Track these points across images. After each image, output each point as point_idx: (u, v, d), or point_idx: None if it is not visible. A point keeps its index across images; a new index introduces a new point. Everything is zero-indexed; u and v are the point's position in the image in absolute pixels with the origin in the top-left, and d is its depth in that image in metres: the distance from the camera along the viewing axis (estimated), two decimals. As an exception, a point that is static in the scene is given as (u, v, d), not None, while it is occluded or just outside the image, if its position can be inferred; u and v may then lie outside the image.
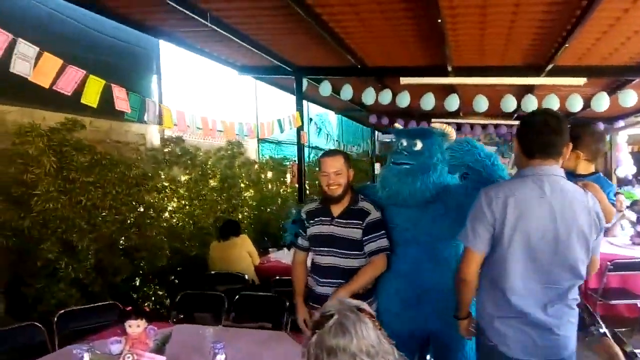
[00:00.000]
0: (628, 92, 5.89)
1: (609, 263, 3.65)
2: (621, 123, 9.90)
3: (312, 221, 2.40)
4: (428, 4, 3.74)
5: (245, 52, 5.71)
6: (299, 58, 6.13)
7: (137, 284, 4.42)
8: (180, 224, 4.98)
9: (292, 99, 8.57)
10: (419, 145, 2.20)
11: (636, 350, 2.00)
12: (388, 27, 4.52)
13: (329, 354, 1.06)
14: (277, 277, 3.59)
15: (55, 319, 2.69)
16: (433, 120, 10.51)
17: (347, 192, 2.31)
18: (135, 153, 4.65)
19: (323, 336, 1.08)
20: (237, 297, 3.06)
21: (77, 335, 2.69)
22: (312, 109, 9.99)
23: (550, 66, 5.33)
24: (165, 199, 4.78)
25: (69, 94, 2.85)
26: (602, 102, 5.98)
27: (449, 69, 5.69)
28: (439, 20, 3.97)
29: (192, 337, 2.19)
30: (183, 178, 5.17)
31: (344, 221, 2.31)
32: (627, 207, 5.43)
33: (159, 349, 1.84)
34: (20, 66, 2.53)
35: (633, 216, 4.96)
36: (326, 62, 6.27)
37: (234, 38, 4.82)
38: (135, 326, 1.80)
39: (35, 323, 2.56)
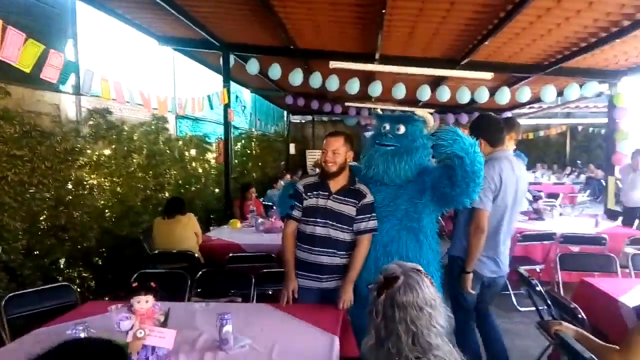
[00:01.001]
0: (523, 89, 6.78)
1: (518, 235, 4.30)
2: (508, 114, 11.25)
3: (310, 194, 2.52)
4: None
5: (170, 22, 5.48)
6: (227, 33, 6.01)
7: (62, 265, 4.13)
8: (108, 203, 4.68)
9: (208, 73, 8.37)
10: (402, 129, 2.43)
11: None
12: (331, 10, 4.64)
13: (399, 308, 1.23)
14: (231, 255, 3.61)
15: (3, 303, 2.47)
16: (346, 103, 10.96)
17: (342, 170, 2.47)
18: (57, 125, 4.25)
19: (393, 295, 1.25)
20: (200, 273, 3.06)
21: (29, 320, 2.51)
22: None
23: (464, 61, 5.93)
24: (94, 175, 4.46)
25: (16, 63, 2.58)
26: (504, 96, 6.79)
27: (377, 56, 6.03)
28: (384, 11, 4.22)
29: (181, 312, 2.21)
30: (107, 152, 4.84)
31: (342, 198, 2.48)
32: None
33: (164, 324, 1.84)
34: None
35: (530, 196, 5.81)
36: (256, 40, 6.23)
37: (165, 5, 4.59)
38: (144, 302, 1.78)
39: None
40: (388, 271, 1.31)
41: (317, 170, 2.64)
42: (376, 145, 2.47)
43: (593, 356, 1.73)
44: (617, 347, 1.77)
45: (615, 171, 6.69)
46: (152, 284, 1.83)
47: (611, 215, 6.10)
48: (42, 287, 2.70)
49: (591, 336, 1.91)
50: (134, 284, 1.82)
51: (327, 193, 2.50)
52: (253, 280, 2.97)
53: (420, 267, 1.34)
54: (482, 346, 2.89)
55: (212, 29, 5.79)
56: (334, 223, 2.46)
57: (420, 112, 2.47)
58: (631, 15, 4.18)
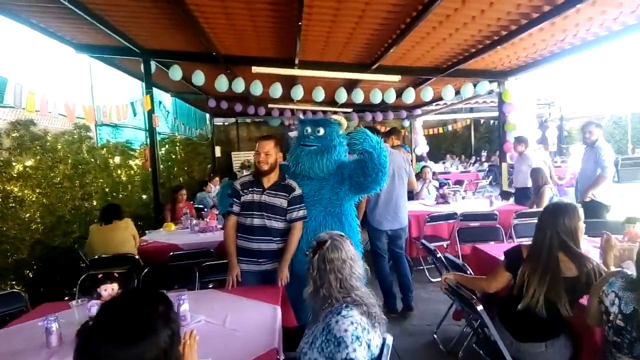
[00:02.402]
0: (427, 89, 7.59)
1: (427, 216, 4.95)
2: (418, 111, 12.28)
3: (246, 190, 2.88)
4: (292, 7, 4.37)
5: (87, 30, 5.48)
6: (148, 40, 6.10)
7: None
8: (35, 214, 4.66)
9: (126, 79, 8.29)
10: (321, 131, 2.89)
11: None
12: (249, 18, 4.95)
13: (329, 262, 1.66)
14: (172, 253, 3.85)
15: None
16: (269, 105, 11.30)
17: (273, 169, 2.85)
18: (-21, 138, 4.19)
19: (323, 253, 1.68)
20: (145, 271, 3.28)
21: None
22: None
23: (375, 65, 6.55)
24: (22, 187, 4.43)
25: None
26: (410, 95, 7.55)
27: (296, 62, 6.46)
28: (300, 23, 4.66)
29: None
30: (32, 164, 4.81)
31: (273, 192, 2.86)
32: (432, 177, 7.07)
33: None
34: None
35: (436, 183, 6.59)
36: (177, 47, 6.37)
37: (81, 14, 4.63)
38: (110, 289, 2.04)
39: None
40: (319, 237, 1.76)
41: (244, 171, 2.99)
42: (301, 146, 2.92)
43: (467, 291, 2.32)
44: (485, 277, 2.41)
45: (507, 158, 7.72)
46: (115, 274, 2.10)
47: (505, 196, 7.06)
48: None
49: (466, 275, 2.55)
50: (99, 275, 2.07)
51: (261, 189, 2.88)
52: (197, 273, 3.26)
53: (343, 234, 1.78)
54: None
55: (131, 36, 5.84)
56: (269, 214, 2.84)
57: (335, 116, 2.96)
58: (507, 27, 4.99)
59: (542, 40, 5.62)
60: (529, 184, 6.17)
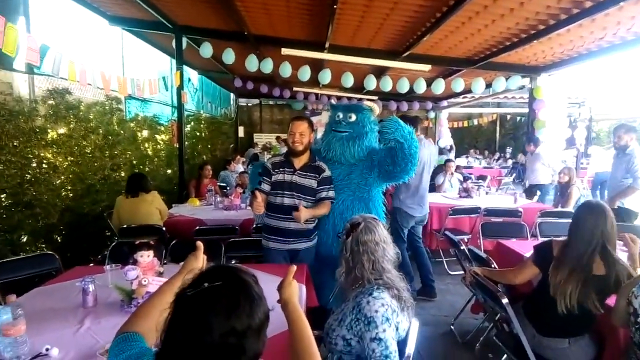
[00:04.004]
0: (457, 80, 7.48)
1: (450, 209, 4.94)
2: (444, 103, 12.13)
3: (277, 170, 2.92)
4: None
5: (122, 2, 5.54)
6: (181, 16, 6.14)
7: (24, 241, 4.25)
8: (68, 181, 4.80)
9: (155, 53, 8.37)
10: (353, 117, 2.91)
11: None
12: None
13: (362, 244, 1.70)
14: (198, 227, 3.93)
15: (-7, 269, 2.68)
16: (295, 88, 11.30)
17: (307, 149, 2.88)
18: (18, 104, 4.31)
19: (357, 235, 1.71)
20: (172, 243, 3.37)
21: (16, 285, 2.72)
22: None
23: (406, 53, 6.48)
24: (56, 154, 4.56)
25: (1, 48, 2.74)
26: (440, 86, 7.46)
27: (326, 45, 6.43)
28: (335, 7, 4.63)
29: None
30: (66, 132, 4.94)
31: (304, 173, 2.90)
32: (455, 171, 7.01)
33: (162, 275, 2.19)
34: None
35: (460, 177, 6.55)
36: (209, 24, 6.40)
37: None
38: (146, 256, 2.11)
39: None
40: (353, 220, 1.78)
41: (265, 153, 3.00)
42: (332, 131, 2.94)
43: (492, 284, 2.34)
44: (512, 268, 2.43)
45: (533, 156, 7.61)
46: (151, 242, 2.17)
47: (529, 194, 6.98)
48: (27, 256, 2.92)
49: (492, 269, 2.57)
50: (137, 242, 2.14)
51: (292, 169, 2.92)
52: (223, 247, 3.33)
53: (376, 217, 1.81)
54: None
55: (165, 11, 5.89)
56: (299, 194, 2.88)
57: (367, 102, 2.97)
58: (545, 21, 4.88)
59: (580, 37, 5.48)
60: (542, 181, 6.26)
